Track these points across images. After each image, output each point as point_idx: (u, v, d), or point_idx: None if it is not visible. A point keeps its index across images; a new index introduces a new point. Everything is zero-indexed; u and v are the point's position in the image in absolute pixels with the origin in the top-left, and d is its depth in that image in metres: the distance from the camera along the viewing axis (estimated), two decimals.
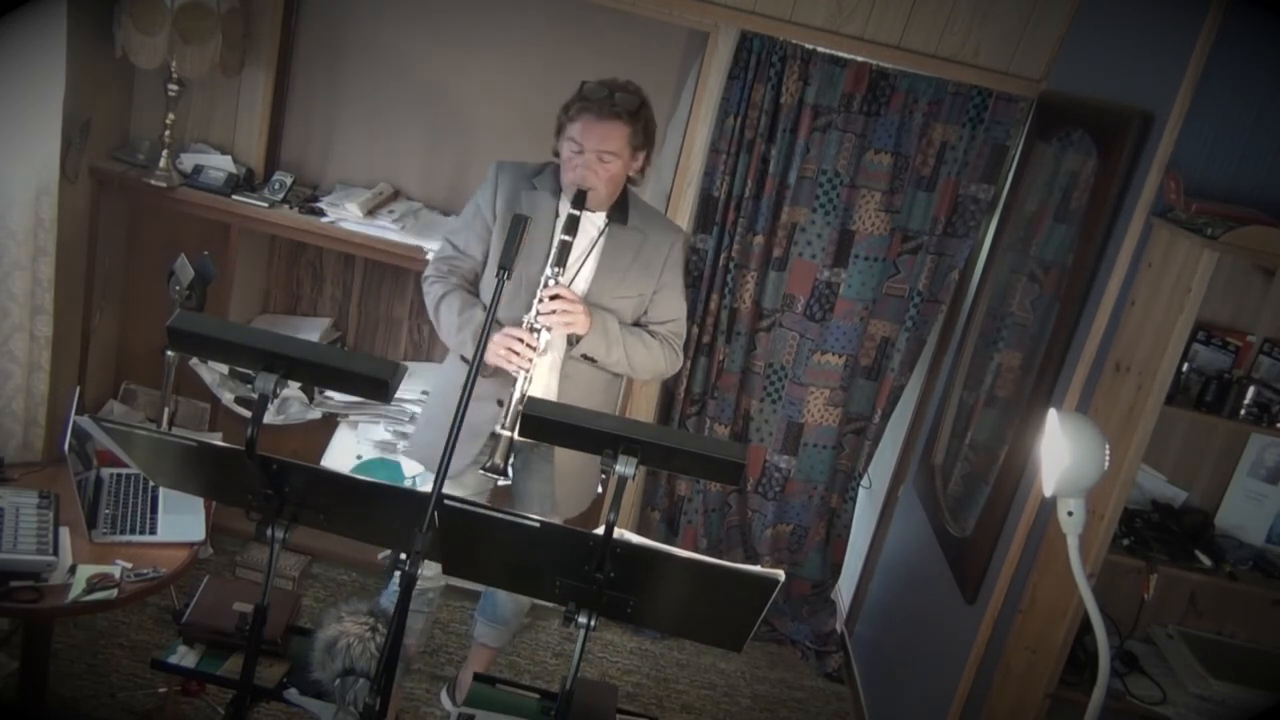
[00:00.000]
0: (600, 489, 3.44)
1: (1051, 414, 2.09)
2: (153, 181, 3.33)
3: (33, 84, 2.83)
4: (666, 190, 3.57)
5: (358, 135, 3.65)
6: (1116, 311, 2.51)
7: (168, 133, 3.35)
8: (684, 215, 3.55)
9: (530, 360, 2.51)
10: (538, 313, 2.52)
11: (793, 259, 3.58)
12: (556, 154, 2.60)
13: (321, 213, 3.44)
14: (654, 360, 2.71)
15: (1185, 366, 2.33)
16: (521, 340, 2.51)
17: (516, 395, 2.52)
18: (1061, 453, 2.02)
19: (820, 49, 3.33)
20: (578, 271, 2.63)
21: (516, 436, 2.51)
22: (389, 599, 2.89)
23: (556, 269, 2.52)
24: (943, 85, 3.37)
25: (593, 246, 2.64)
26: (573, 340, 2.61)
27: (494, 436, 2.57)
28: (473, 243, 2.71)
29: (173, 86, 3.30)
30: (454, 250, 2.74)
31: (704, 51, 3.41)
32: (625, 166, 2.56)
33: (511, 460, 2.56)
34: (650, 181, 3.61)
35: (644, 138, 2.56)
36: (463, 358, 2.71)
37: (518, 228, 2.10)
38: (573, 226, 2.51)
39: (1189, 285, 2.18)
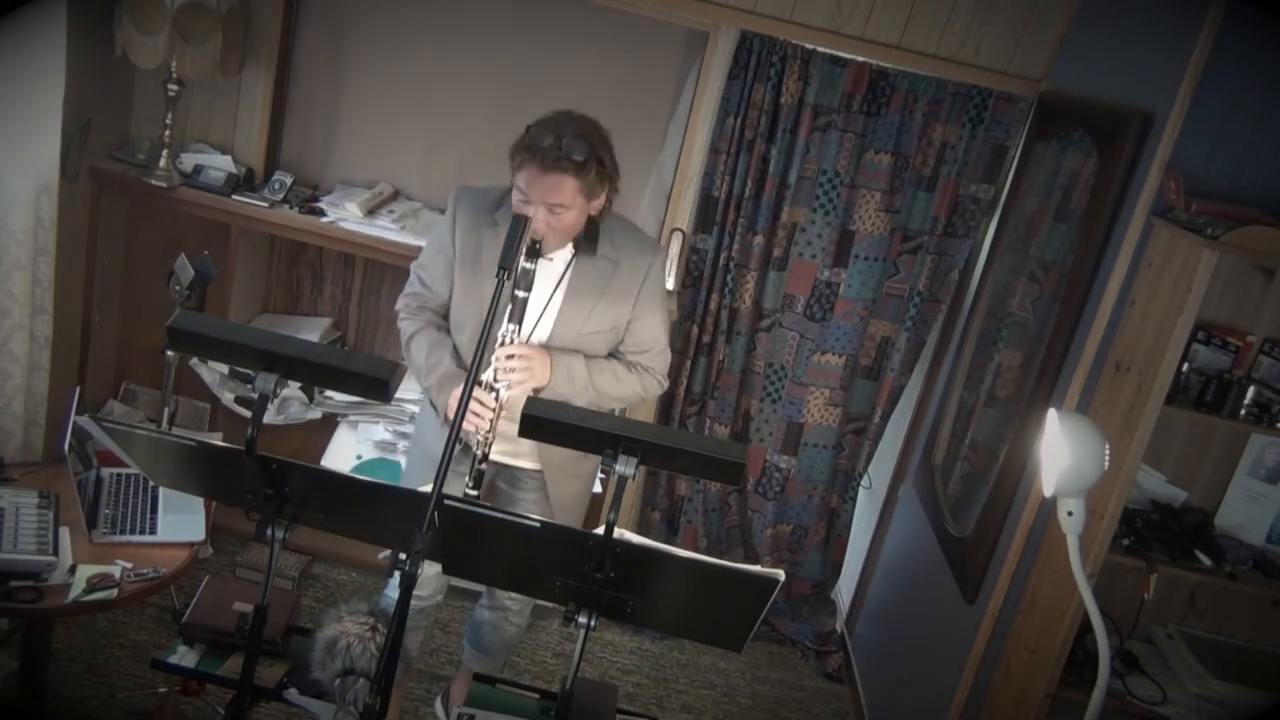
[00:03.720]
0: (601, 488, 3.44)
1: (1051, 414, 2.09)
2: (153, 181, 3.33)
3: (33, 84, 2.83)
4: (666, 190, 3.57)
5: (358, 135, 3.65)
6: (1116, 311, 2.51)
7: (168, 133, 3.35)
8: (684, 215, 3.55)
9: (489, 423, 2.42)
10: (495, 372, 2.41)
11: (793, 259, 3.58)
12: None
13: (321, 213, 3.44)
14: (630, 393, 2.60)
15: (1185, 366, 2.33)
16: (481, 402, 2.41)
17: (479, 455, 2.44)
18: (1061, 453, 2.02)
19: (820, 49, 3.33)
20: (543, 310, 2.49)
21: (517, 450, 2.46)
22: (389, 600, 2.88)
23: (512, 326, 2.39)
24: (943, 85, 3.37)
25: (559, 281, 2.48)
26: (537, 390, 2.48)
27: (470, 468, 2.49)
28: (438, 279, 2.59)
29: (173, 86, 3.30)
30: (422, 286, 2.63)
31: (704, 51, 3.41)
32: (581, 212, 2.37)
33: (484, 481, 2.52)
34: (651, 182, 3.62)
35: (599, 182, 2.35)
36: (431, 402, 2.63)
37: (518, 227, 2.09)
38: (527, 281, 2.37)
39: (1189, 285, 2.18)
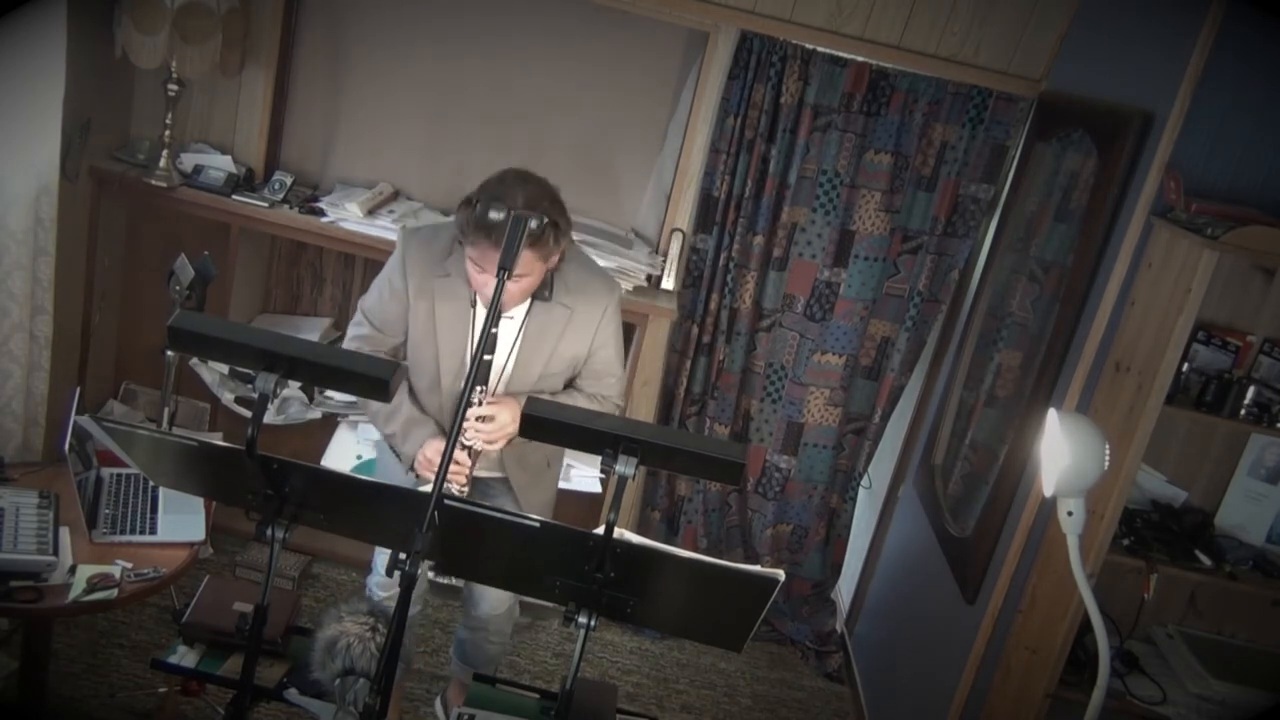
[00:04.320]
0: (601, 488, 3.44)
1: (1051, 414, 2.09)
2: (153, 181, 3.33)
3: (33, 84, 2.83)
4: (666, 190, 3.57)
5: (358, 135, 3.65)
6: (1116, 311, 2.51)
7: (168, 133, 3.35)
8: (684, 215, 3.55)
9: (464, 479, 2.45)
10: (463, 432, 2.40)
11: (793, 259, 3.58)
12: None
13: (321, 213, 3.44)
14: None
15: (1185, 366, 2.33)
16: (456, 462, 2.41)
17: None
18: (1061, 453, 2.02)
19: (820, 49, 3.33)
20: (505, 360, 2.49)
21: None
22: (373, 595, 2.86)
23: (479, 388, 2.39)
24: (943, 85, 3.37)
25: (517, 331, 2.48)
26: None
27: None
28: (391, 323, 2.55)
29: (173, 86, 3.30)
30: (372, 329, 2.56)
31: (704, 51, 3.41)
32: (539, 274, 2.36)
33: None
34: (651, 182, 3.62)
35: (555, 245, 2.31)
36: (393, 449, 2.61)
37: (517, 228, 2.09)
38: (491, 345, 2.36)
39: (1189, 285, 2.18)
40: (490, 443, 2.46)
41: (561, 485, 3.52)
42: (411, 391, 2.60)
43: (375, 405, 2.55)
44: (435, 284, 2.48)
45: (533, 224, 2.14)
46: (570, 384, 2.65)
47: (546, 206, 2.27)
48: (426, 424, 2.54)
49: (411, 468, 2.55)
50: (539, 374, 2.53)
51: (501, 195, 2.23)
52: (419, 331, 2.53)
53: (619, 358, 2.64)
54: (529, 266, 2.30)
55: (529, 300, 2.47)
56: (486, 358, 2.37)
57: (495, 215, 2.13)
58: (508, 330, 2.49)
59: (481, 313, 2.45)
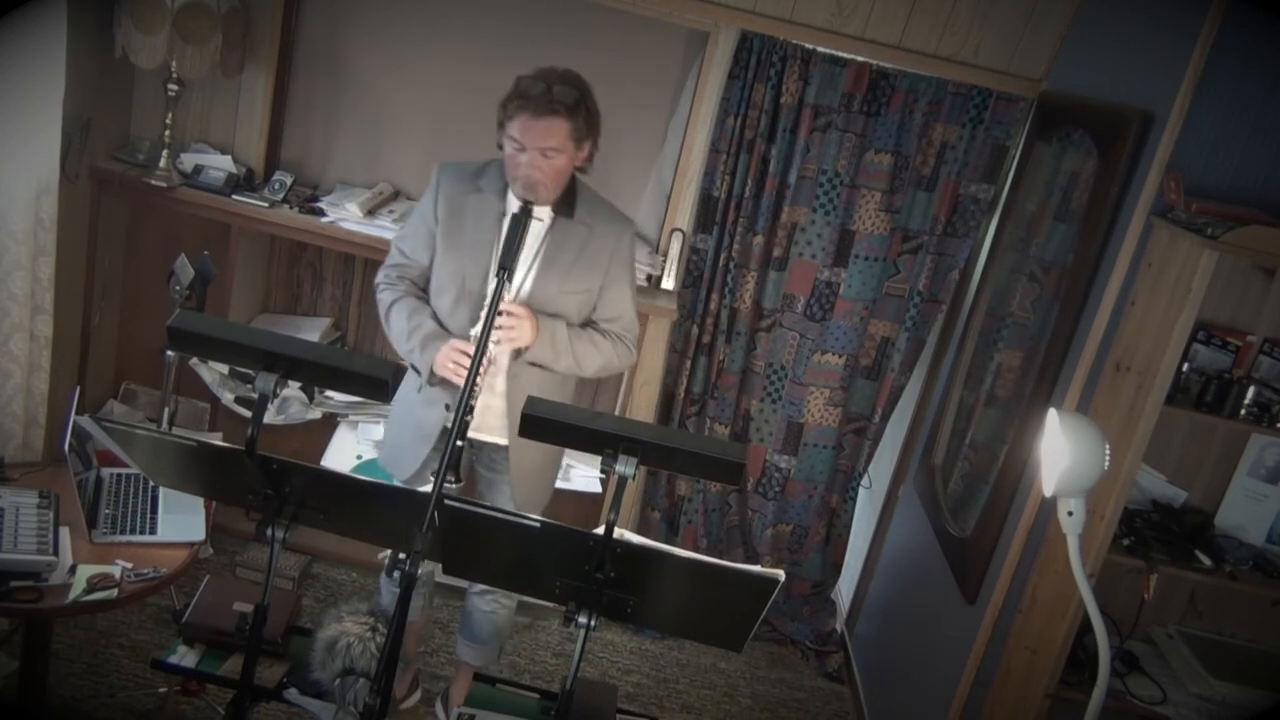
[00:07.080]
0: (601, 488, 3.44)
1: (1051, 414, 2.10)
2: (153, 181, 3.33)
3: (33, 84, 2.83)
4: (666, 190, 3.57)
5: (358, 135, 3.65)
6: (1116, 311, 2.51)
7: (168, 133, 3.35)
8: (684, 215, 3.55)
9: (473, 375, 2.47)
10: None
11: (793, 259, 3.58)
12: (501, 147, 2.51)
13: (321, 213, 3.44)
14: (605, 360, 2.67)
15: (1185, 366, 2.33)
16: (464, 353, 2.48)
17: (463, 407, 2.49)
18: (1061, 453, 2.02)
19: (820, 49, 3.33)
20: (528, 269, 2.57)
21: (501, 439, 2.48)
22: (389, 599, 2.88)
23: (503, 271, 2.40)
24: (943, 85, 3.37)
25: (539, 244, 2.57)
26: (520, 350, 2.56)
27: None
28: (419, 248, 2.66)
29: (173, 86, 3.31)
30: (402, 257, 2.69)
31: (704, 51, 3.41)
32: (570, 160, 2.48)
33: (463, 464, 2.53)
34: (651, 182, 3.62)
35: (587, 129, 2.48)
36: (413, 366, 2.66)
37: (517, 227, 2.10)
38: (519, 231, 2.38)
39: (1189, 285, 2.18)
40: (506, 339, 2.49)
41: (561, 485, 3.53)
42: (435, 315, 2.63)
43: (397, 328, 2.62)
44: (467, 200, 2.59)
45: (568, 99, 2.39)
46: (587, 325, 2.69)
47: (584, 89, 2.46)
48: (445, 337, 2.58)
49: (430, 380, 2.58)
50: (558, 289, 2.59)
51: (541, 74, 2.44)
52: (446, 248, 2.60)
53: (631, 300, 2.71)
54: (563, 142, 2.42)
55: (552, 216, 2.55)
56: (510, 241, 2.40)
57: (537, 87, 2.38)
58: (531, 243, 2.54)
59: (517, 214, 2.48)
